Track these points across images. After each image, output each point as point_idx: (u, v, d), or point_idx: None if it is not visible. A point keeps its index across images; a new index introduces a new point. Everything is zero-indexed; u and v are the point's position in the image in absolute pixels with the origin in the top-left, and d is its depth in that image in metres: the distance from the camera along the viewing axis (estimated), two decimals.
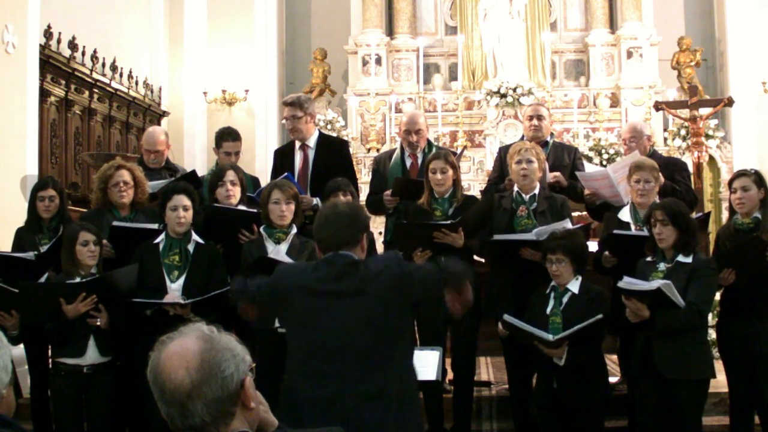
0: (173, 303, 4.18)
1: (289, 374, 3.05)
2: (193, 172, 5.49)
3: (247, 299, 3.27)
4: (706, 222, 5.19)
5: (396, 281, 2.96)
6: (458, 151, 7.49)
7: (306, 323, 2.97)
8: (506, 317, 4.04)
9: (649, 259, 4.12)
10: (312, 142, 5.39)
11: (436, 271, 3.16)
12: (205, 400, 1.69)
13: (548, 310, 4.10)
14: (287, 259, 4.13)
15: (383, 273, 2.97)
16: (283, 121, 5.56)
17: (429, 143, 5.56)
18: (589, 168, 6.02)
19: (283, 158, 5.50)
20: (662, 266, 4.02)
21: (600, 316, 3.92)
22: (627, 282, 3.94)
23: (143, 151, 5.76)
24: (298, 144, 5.40)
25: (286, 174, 4.88)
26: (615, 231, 4.46)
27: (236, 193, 4.75)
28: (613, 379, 4.71)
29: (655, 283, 3.86)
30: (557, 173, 5.32)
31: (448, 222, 4.48)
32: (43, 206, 4.82)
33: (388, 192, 5.26)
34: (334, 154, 5.40)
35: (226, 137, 5.48)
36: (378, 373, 2.89)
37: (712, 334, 6.02)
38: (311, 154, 5.37)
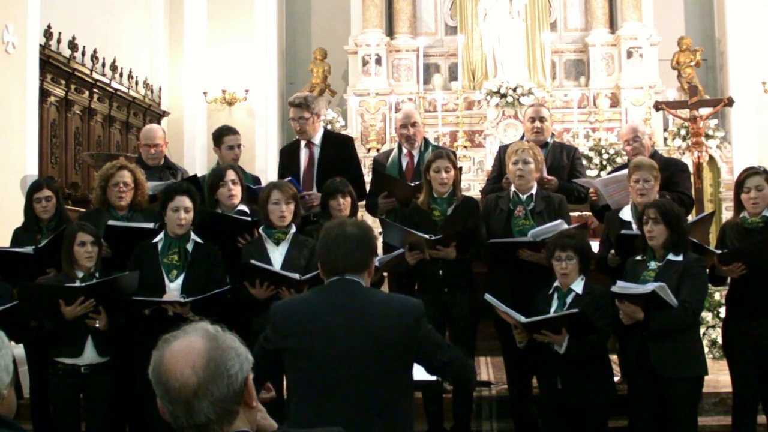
0: (173, 301, 4.18)
1: (292, 410, 2.83)
2: (195, 177, 5.45)
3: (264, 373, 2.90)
4: (709, 222, 5.19)
5: (407, 331, 2.77)
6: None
7: (309, 355, 2.74)
8: (487, 296, 4.04)
9: (639, 257, 4.13)
10: (317, 139, 5.38)
11: (445, 360, 2.91)
12: (212, 399, 1.69)
13: (552, 311, 4.08)
14: (276, 267, 4.15)
15: (396, 318, 2.77)
16: (290, 122, 5.53)
17: (426, 142, 5.55)
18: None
19: (289, 157, 5.49)
20: (653, 265, 4.04)
21: (575, 310, 3.92)
22: (621, 286, 3.96)
23: (141, 147, 5.74)
24: (303, 142, 5.39)
25: (290, 179, 4.86)
26: (623, 231, 4.46)
27: (238, 192, 4.73)
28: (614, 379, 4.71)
29: (649, 286, 3.88)
30: (552, 177, 5.31)
31: (438, 237, 4.47)
32: (41, 207, 4.81)
33: (384, 195, 5.21)
34: (339, 151, 5.39)
35: (226, 132, 5.48)
36: (383, 410, 2.71)
37: (713, 334, 6.06)
38: (317, 151, 5.36)
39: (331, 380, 2.71)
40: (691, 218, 5.15)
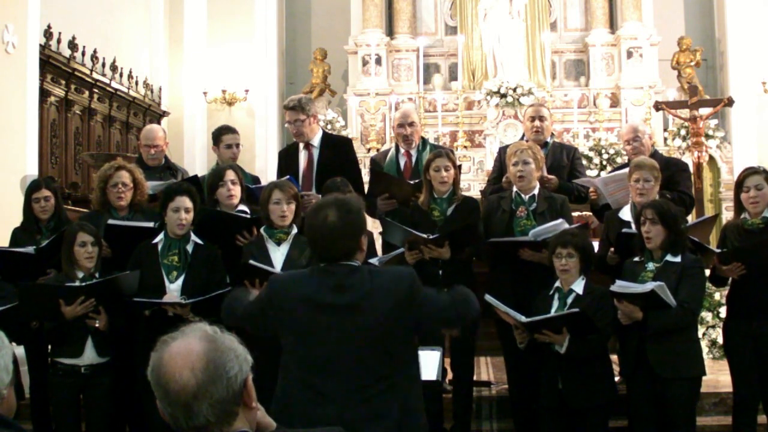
0: (174, 303, 4.18)
1: (282, 390, 2.82)
2: (195, 177, 5.45)
3: (237, 320, 3.02)
4: (710, 225, 5.18)
5: (404, 302, 2.77)
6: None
7: (304, 337, 2.77)
8: (487, 297, 4.03)
9: (637, 258, 4.13)
10: (316, 141, 5.37)
11: (450, 308, 2.91)
12: (211, 401, 1.68)
13: (552, 311, 4.07)
14: (277, 267, 4.14)
15: (390, 290, 2.76)
16: (286, 125, 5.54)
17: (423, 141, 5.54)
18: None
19: (287, 159, 5.50)
20: (651, 266, 4.04)
21: (576, 309, 3.92)
22: (620, 285, 3.96)
23: (142, 147, 5.75)
24: (302, 144, 5.39)
25: (288, 176, 4.86)
26: (623, 230, 4.46)
27: (237, 192, 4.72)
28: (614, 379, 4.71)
29: (648, 285, 3.88)
30: (552, 176, 5.31)
31: (434, 237, 4.46)
32: (39, 207, 4.81)
33: (384, 197, 5.20)
34: (338, 152, 5.38)
35: (225, 131, 5.51)
36: (380, 392, 2.71)
37: (713, 334, 6.06)
38: (315, 153, 5.35)
39: (326, 360, 2.73)
40: (691, 219, 5.15)
